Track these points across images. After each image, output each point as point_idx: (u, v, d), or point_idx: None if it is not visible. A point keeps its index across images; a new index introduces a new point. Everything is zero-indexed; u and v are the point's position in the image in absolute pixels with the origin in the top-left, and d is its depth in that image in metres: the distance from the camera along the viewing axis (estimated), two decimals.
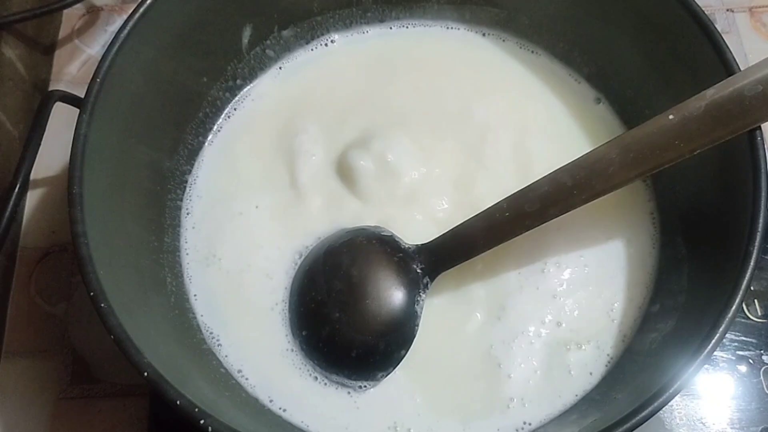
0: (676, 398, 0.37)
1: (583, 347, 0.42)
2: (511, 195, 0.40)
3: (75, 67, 0.59)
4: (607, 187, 0.39)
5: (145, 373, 0.33)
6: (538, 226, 0.40)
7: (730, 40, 0.41)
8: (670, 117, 0.37)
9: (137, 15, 0.41)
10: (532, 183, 0.40)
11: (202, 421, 0.32)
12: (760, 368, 0.46)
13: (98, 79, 0.39)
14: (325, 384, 0.42)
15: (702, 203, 0.42)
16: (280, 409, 0.41)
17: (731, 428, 0.45)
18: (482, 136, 0.48)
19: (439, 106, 0.49)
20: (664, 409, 0.32)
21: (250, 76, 0.51)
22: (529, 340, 0.42)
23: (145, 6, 0.42)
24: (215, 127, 0.50)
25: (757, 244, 0.35)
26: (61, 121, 0.44)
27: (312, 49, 0.53)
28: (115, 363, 0.47)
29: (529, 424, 0.40)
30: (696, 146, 0.37)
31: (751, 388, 0.46)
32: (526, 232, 0.40)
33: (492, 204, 0.41)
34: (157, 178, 0.45)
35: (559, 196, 0.39)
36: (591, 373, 0.42)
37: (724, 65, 0.39)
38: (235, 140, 0.49)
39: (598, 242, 0.45)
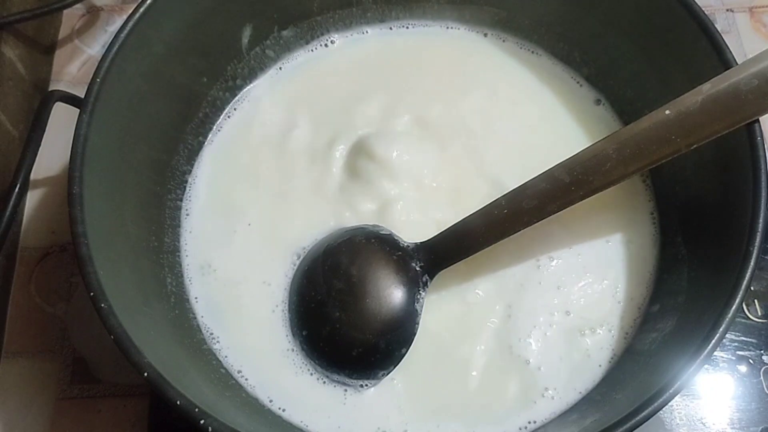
0: (676, 398, 0.37)
1: (598, 331, 0.43)
2: (509, 192, 0.41)
3: (75, 67, 0.59)
4: (605, 183, 0.39)
5: (145, 373, 0.33)
6: (537, 222, 0.40)
7: (730, 40, 0.41)
8: (667, 112, 0.37)
9: (137, 15, 0.41)
10: (530, 180, 0.40)
11: (202, 421, 0.32)
12: (760, 368, 0.46)
13: (98, 79, 0.39)
14: (324, 383, 0.42)
15: (702, 203, 0.42)
16: (279, 409, 0.41)
17: (731, 428, 0.45)
18: (482, 136, 0.48)
19: (439, 106, 0.49)
20: (664, 409, 0.32)
21: (250, 76, 0.51)
22: (543, 332, 0.42)
23: (145, 6, 0.42)
24: (215, 127, 0.50)
25: (757, 244, 0.35)
26: (61, 121, 0.44)
27: (312, 49, 0.53)
28: (115, 363, 0.47)
29: (534, 423, 0.40)
30: (693, 141, 0.37)
31: (751, 388, 0.46)
32: (525, 229, 0.40)
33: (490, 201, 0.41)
34: (157, 178, 0.45)
35: (556, 193, 0.39)
36: (600, 365, 0.42)
37: (724, 65, 0.39)
38: (235, 140, 0.49)
39: (598, 242, 0.45)
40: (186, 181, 0.48)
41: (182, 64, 0.46)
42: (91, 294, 0.35)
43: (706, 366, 0.36)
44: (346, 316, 0.41)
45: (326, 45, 0.53)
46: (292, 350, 0.43)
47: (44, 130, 0.44)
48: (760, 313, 0.48)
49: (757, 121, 0.37)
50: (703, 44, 0.41)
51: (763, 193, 0.36)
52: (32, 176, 0.49)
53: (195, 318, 0.44)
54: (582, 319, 0.43)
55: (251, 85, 0.51)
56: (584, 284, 0.44)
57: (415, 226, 0.45)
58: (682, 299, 0.41)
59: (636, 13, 0.45)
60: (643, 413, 0.32)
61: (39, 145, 0.44)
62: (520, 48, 0.52)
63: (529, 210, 0.40)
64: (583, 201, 0.39)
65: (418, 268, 0.42)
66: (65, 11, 0.60)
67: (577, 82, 0.51)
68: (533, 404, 0.41)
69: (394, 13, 0.53)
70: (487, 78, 0.51)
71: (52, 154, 0.52)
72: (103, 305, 0.34)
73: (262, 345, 0.43)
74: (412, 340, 0.42)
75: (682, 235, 0.43)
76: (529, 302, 0.43)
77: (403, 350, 0.41)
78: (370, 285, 0.42)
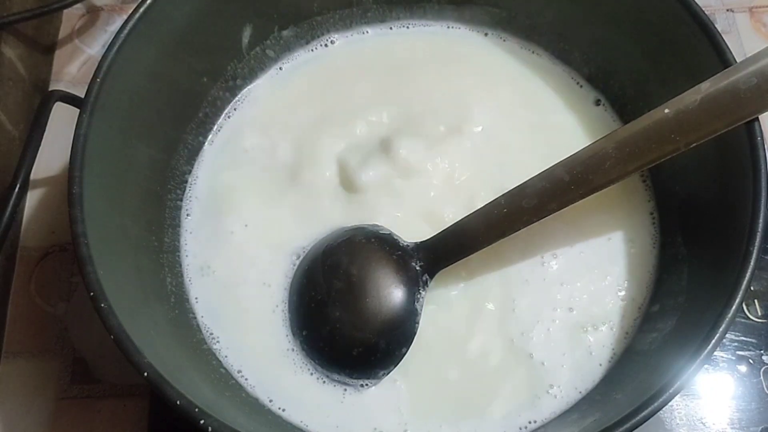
0: (676, 398, 0.37)
1: (600, 328, 0.43)
2: (509, 191, 0.41)
3: (75, 67, 0.59)
4: (605, 181, 0.39)
5: (145, 373, 0.33)
6: (537, 221, 0.40)
7: (730, 40, 0.41)
8: (666, 111, 0.37)
9: (137, 15, 0.41)
10: (530, 179, 0.40)
11: (202, 421, 0.32)
12: (760, 368, 0.46)
13: (98, 79, 0.39)
14: (324, 383, 0.42)
15: (702, 203, 0.42)
16: (279, 408, 0.41)
17: (731, 428, 0.45)
18: (482, 137, 0.48)
19: (439, 105, 0.49)
20: (664, 409, 0.32)
21: (250, 76, 0.51)
22: (546, 327, 0.43)
23: (145, 6, 0.42)
24: (215, 127, 0.50)
25: (757, 244, 0.35)
26: (61, 121, 0.44)
27: (312, 49, 0.53)
28: (115, 363, 0.47)
29: (534, 422, 0.40)
30: (692, 139, 0.37)
31: (751, 388, 0.46)
32: (527, 227, 0.40)
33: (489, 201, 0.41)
34: (157, 178, 0.45)
35: (556, 192, 0.39)
36: (600, 364, 0.42)
37: (725, 65, 0.39)
38: (235, 140, 0.49)
39: (599, 241, 0.45)
40: (186, 181, 0.48)
41: (182, 64, 0.46)
42: (91, 294, 0.35)
43: (706, 366, 0.36)
44: (346, 315, 0.41)
45: (326, 45, 0.53)
46: (292, 350, 0.43)
47: (44, 130, 0.44)
48: (760, 313, 0.48)
49: (757, 119, 0.37)
50: (703, 44, 0.41)
51: (763, 193, 0.36)
52: (32, 176, 0.49)
53: (195, 318, 0.44)
54: (585, 315, 0.43)
55: (251, 85, 0.51)
56: (587, 281, 0.44)
57: (413, 226, 0.45)
58: (682, 299, 0.41)
59: (636, 13, 0.45)
60: (643, 413, 0.32)
61: (39, 145, 0.44)
62: (521, 48, 0.52)
63: (529, 209, 0.40)
64: (583, 200, 0.39)
65: (417, 268, 0.42)
66: (65, 11, 0.60)
67: (577, 83, 0.51)
68: (538, 400, 0.41)
69: (394, 13, 0.53)
70: (487, 78, 0.51)
71: (52, 154, 0.52)
72: (103, 305, 0.34)
73: (262, 345, 0.43)
74: (413, 339, 0.42)
75: (682, 235, 0.43)
76: (532, 298, 0.43)
77: (404, 350, 0.41)
78: (370, 284, 0.42)
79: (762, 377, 0.46)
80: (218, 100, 0.50)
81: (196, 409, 0.32)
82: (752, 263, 0.35)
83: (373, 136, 0.48)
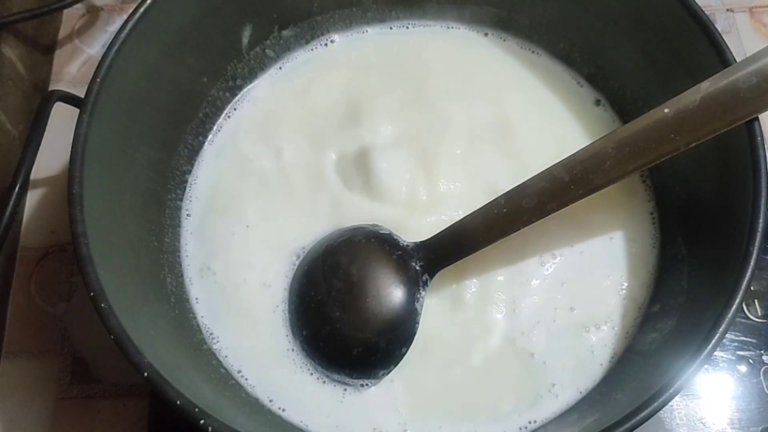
0: (676, 398, 0.37)
1: (602, 327, 0.43)
2: (509, 191, 0.41)
3: (75, 67, 0.59)
4: (605, 181, 0.39)
5: (145, 373, 0.33)
6: (537, 221, 0.40)
7: (730, 40, 0.41)
8: (666, 111, 0.37)
9: (137, 15, 0.41)
10: (529, 179, 0.40)
11: (202, 421, 0.32)
12: (760, 368, 0.46)
13: (98, 79, 0.39)
14: (324, 383, 0.42)
15: (702, 203, 0.42)
16: (279, 408, 0.41)
17: (731, 428, 0.45)
18: (481, 136, 0.48)
19: (440, 106, 0.49)
20: (664, 409, 0.32)
21: (250, 76, 0.51)
22: (547, 327, 0.43)
23: (145, 6, 0.42)
24: (215, 127, 0.50)
25: (757, 244, 0.35)
26: (61, 121, 0.44)
27: (312, 49, 0.53)
28: (115, 363, 0.47)
29: (534, 422, 0.40)
30: (692, 139, 0.37)
31: (751, 388, 0.46)
32: (527, 227, 0.40)
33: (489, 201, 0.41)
34: (157, 178, 0.45)
35: (556, 192, 0.39)
36: (601, 364, 0.42)
37: (725, 65, 0.39)
38: (235, 140, 0.49)
39: (599, 240, 0.45)
40: (186, 181, 0.48)
41: (182, 64, 0.46)
42: (91, 294, 0.35)
43: (706, 366, 0.36)
44: (347, 315, 0.41)
45: (326, 45, 0.53)
46: (292, 350, 0.43)
47: (44, 130, 0.44)
48: (760, 313, 0.48)
49: (757, 119, 0.37)
50: (703, 44, 0.41)
51: (763, 193, 0.36)
52: (32, 176, 0.49)
53: (195, 318, 0.44)
54: (586, 315, 0.43)
55: (251, 85, 0.51)
56: (587, 281, 0.44)
57: (412, 226, 0.45)
58: (682, 299, 0.41)
59: (636, 13, 0.45)
60: (643, 413, 0.32)
61: (39, 145, 0.44)
62: (521, 48, 0.52)
63: (529, 209, 0.40)
64: (583, 200, 0.39)
65: (417, 268, 0.42)
66: (65, 11, 0.60)
67: (577, 82, 0.51)
68: (540, 399, 0.41)
69: (394, 13, 0.53)
70: (487, 78, 0.51)
71: (52, 154, 0.52)
72: (103, 305, 0.34)
73: (262, 345, 0.43)
74: (413, 339, 0.42)
75: (682, 235, 0.43)
76: (533, 297, 0.43)
77: (404, 349, 0.41)
78: (370, 284, 0.42)
79: (762, 377, 0.46)
80: (218, 100, 0.50)
81: (196, 409, 0.32)
82: (752, 263, 0.35)
83: (373, 136, 0.48)
